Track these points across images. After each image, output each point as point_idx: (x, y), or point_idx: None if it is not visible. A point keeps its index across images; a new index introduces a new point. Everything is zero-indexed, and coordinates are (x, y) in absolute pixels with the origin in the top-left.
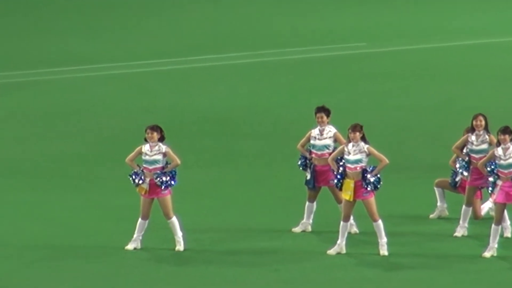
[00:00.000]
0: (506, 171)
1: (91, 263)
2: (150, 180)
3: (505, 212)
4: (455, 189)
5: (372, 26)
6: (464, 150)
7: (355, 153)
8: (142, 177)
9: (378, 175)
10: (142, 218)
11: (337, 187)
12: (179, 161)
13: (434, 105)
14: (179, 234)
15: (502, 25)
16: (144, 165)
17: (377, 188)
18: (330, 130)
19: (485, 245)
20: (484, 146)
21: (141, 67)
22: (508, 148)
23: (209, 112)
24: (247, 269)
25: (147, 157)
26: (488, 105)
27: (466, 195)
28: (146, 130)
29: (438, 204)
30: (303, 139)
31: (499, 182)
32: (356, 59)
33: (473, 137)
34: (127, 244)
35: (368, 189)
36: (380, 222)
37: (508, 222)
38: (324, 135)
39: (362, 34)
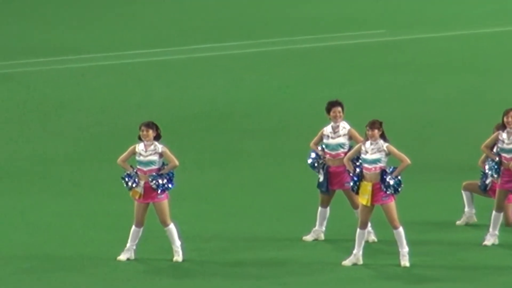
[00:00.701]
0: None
1: (80, 275)
2: (145, 183)
3: None
4: (485, 192)
5: (392, 12)
6: (494, 149)
7: (373, 152)
8: (136, 180)
9: (399, 177)
10: (136, 226)
11: (353, 190)
12: (177, 162)
13: (461, 98)
14: (177, 243)
15: None
16: (138, 167)
17: (398, 191)
18: (344, 126)
19: None
20: None
21: (134, 57)
22: None
23: (209, 107)
24: (253, 282)
25: (141, 158)
26: None
27: (496, 199)
28: (140, 128)
29: (466, 209)
30: (316, 138)
31: None
32: (374, 48)
33: (504, 135)
34: (119, 255)
35: (388, 192)
36: (401, 229)
37: None
38: (337, 133)
39: (381, 20)
